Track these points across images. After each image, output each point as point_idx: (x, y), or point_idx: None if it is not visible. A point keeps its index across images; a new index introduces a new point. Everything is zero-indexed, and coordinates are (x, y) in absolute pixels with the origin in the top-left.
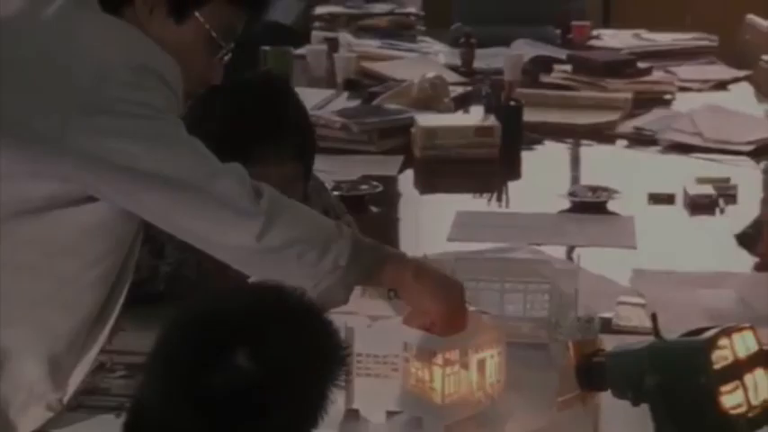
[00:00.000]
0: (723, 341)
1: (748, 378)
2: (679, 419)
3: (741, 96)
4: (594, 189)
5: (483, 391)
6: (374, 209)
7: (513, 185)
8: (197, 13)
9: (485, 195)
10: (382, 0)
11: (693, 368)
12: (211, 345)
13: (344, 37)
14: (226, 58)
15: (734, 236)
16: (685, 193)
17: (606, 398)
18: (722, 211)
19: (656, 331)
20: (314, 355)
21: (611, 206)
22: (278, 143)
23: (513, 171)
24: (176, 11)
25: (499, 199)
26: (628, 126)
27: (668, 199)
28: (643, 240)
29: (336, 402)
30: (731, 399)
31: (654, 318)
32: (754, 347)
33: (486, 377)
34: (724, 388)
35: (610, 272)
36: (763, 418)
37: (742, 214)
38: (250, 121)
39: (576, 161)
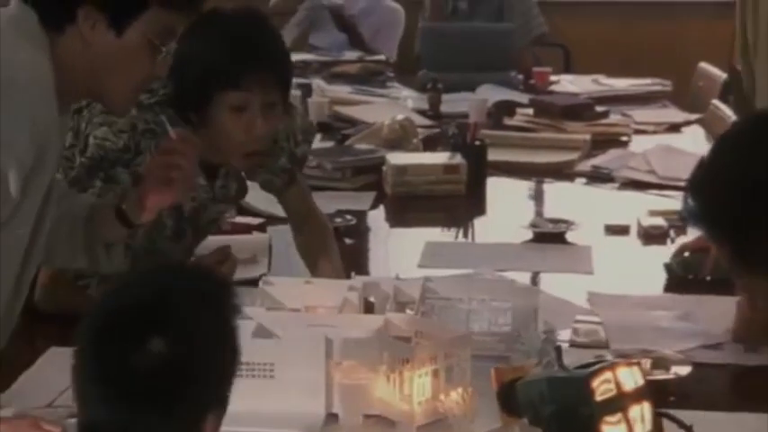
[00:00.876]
0: (606, 374)
1: (634, 410)
2: None
3: (692, 138)
4: (555, 221)
5: (451, 397)
6: (348, 240)
7: (478, 220)
8: (135, 24)
9: (452, 229)
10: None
11: (578, 398)
12: (125, 331)
13: (317, 83)
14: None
15: (663, 264)
16: (639, 224)
17: None
18: (672, 241)
19: (559, 362)
20: (224, 332)
21: (570, 237)
22: (262, 72)
23: (479, 206)
24: (115, 24)
25: (466, 232)
26: (586, 165)
27: (623, 230)
28: (599, 267)
29: (317, 408)
30: (613, 430)
31: (558, 350)
32: (640, 381)
33: (454, 384)
34: (608, 419)
35: (568, 295)
36: None
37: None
38: (238, 50)
39: (537, 197)
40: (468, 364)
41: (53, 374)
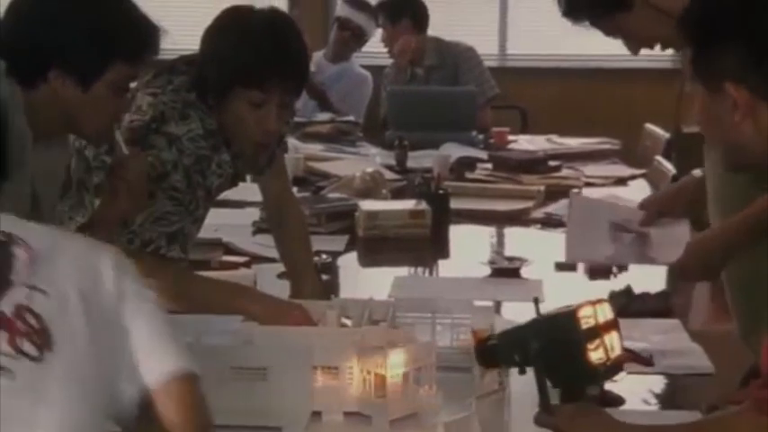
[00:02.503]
0: (587, 309)
1: (606, 338)
2: (557, 373)
3: (638, 190)
4: (510, 258)
5: (419, 395)
6: (325, 276)
7: (442, 260)
8: (101, 79)
9: (418, 267)
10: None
11: (567, 329)
12: None
13: (292, 141)
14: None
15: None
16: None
17: (514, 388)
18: (615, 276)
19: (537, 312)
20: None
21: (524, 272)
22: (284, 77)
23: (443, 248)
24: (82, 84)
25: (431, 270)
26: (540, 212)
27: (571, 267)
28: (550, 298)
29: (304, 406)
30: (595, 354)
31: (536, 301)
32: (610, 315)
33: (421, 384)
34: (590, 345)
35: (521, 318)
36: (617, 367)
37: (632, 278)
38: (266, 56)
39: (496, 240)
40: (434, 368)
41: None
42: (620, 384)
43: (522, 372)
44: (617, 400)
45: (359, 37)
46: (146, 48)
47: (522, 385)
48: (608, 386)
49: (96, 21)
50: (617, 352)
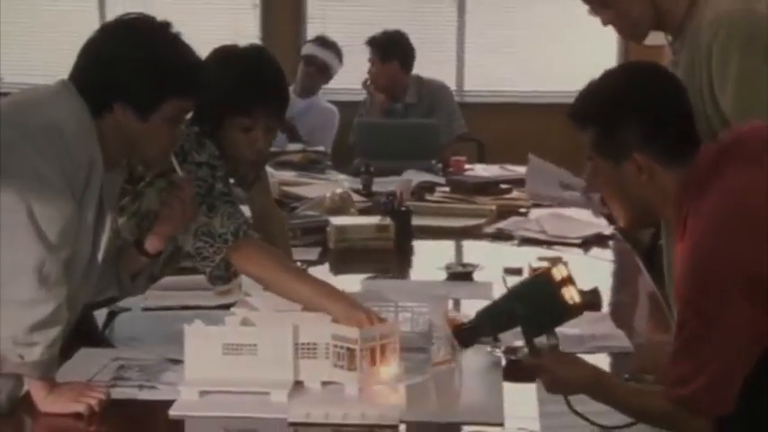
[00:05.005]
0: (556, 268)
1: (569, 287)
2: (540, 322)
3: (579, 210)
4: (464, 264)
5: (385, 367)
6: None
7: (404, 268)
8: (157, 112)
9: (384, 275)
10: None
11: (543, 286)
12: None
13: (267, 169)
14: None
15: None
16: (529, 266)
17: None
18: None
19: (506, 285)
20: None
21: (476, 276)
22: (268, 104)
23: (405, 258)
24: (141, 115)
25: (394, 277)
26: (492, 228)
27: (517, 271)
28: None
29: (288, 375)
30: (567, 295)
31: (504, 278)
32: (566, 273)
33: (386, 358)
34: (562, 292)
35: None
36: (581, 308)
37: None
38: (250, 86)
39: (452, 251)
40: (397, 344)
41: (86, 366)
42: None
43: (496, 339)
44: None
45: (324, 72)
46: (194, 84)
47: (469, 360)
48: None
49: (151, 61)
50: (577, 299)
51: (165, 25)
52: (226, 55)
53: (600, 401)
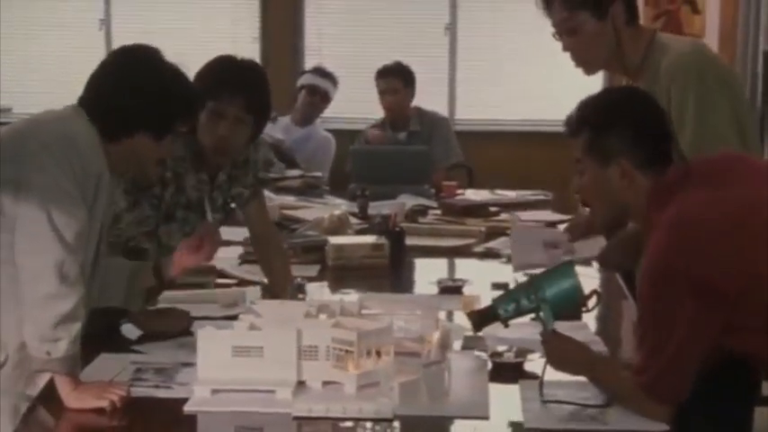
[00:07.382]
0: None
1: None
2: (562, 304)
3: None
4: (454, 279)
5: (379, 366)
6: (300, 295)
7: (398, 284)
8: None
9: (379, 291)
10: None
11: (569, 273)
12: None
13: (267, 193)
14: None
15: None
16: (516, 281)
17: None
18: None
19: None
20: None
21: (465, 290)
22: (236, 92)
23: (399, 275)
24: (157, 140)
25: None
26: (481, 248)
27: (504, 286)
28: None
29: (291, 376)
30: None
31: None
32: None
33: (381, 359)
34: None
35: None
36: (589, 297)
37: None
38: (223, 76)
39: (444, 268)
40: (392, 347)
41: (106, 369)
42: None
43: (506, 326)
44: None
45: (325, 100)
46: (196, 107)
47: (458, 361)
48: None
49: (165, 90)
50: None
51: (161, 54)
52: (217, 62)
53: (595, 383)
